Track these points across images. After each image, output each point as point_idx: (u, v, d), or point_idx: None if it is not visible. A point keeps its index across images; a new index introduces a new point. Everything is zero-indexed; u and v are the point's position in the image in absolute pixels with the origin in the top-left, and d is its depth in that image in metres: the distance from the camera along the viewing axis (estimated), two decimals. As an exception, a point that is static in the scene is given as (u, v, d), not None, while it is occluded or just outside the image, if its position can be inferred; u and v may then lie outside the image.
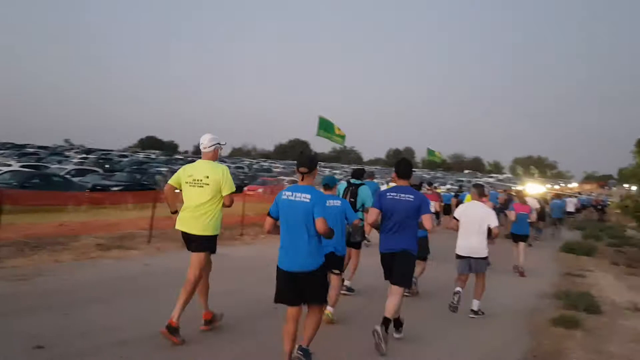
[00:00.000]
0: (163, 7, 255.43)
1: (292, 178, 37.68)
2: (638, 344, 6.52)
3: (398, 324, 6.04)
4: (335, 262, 6.14)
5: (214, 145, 5.85)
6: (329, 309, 6.04)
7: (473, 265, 7.44)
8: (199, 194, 5.64)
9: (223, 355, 5.09)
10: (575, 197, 38.20)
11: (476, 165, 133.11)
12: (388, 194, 5.96)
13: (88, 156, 44.48)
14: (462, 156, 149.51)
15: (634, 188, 21.95)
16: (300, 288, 4.83)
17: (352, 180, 8.46)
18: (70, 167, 26.82)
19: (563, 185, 79.27)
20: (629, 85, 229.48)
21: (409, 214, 5.74)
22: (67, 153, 50.85)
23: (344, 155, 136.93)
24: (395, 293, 5.76)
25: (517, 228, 11.70)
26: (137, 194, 15.35)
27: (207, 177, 5.62)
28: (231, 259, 10.19)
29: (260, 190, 27.03)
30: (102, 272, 8.27)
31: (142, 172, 27.78)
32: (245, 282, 8.33)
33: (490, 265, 8.48)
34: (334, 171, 65.24)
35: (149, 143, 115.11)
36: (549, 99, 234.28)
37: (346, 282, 8.05)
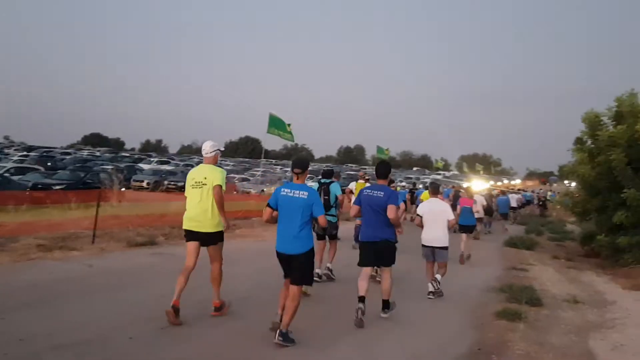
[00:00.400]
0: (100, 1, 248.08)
1: (243, 176, 37.48)
2: (576, 335, 6.78)
3: (386, 305, 6.87)
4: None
5: (214, 151, 6.50)
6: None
7: (436, 253, 8.53)
8: (199, 194, 6.24)
9: (168, 357, 4.98)
10: (519, 193, 40.05)
11: (424, 162, 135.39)
12: (365, 191, 6.97)
13: (29, 154, 42.72)
14: (411, 154, 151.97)
15: (573, 184, 22.84)
16: (290, 267, 5.68)
17: (323, 180, 9.14)
18: (9, 165, 25.78)
19: (507, 181, 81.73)
20: (568, 84, 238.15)
21: (380, 208, 6.58)
22: (6, 150, 48.74)
23: (296, 153, 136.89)
24: (385, 276, 6.88)
25: (462, 220, 12.34)
26: (80, 192, 14.87)
27: (205, 178, 6.23)
28: (180, 259, 9.94)
29: (209, 188, 26.75)
30: (43, 273, 7.96)
31: (86, 170, 26.95)
32: (191, 282, 8.17)
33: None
34: (285, 168, 65.27)
35: (93, 140, 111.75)
36: (494, 98, 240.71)
37: (328, 264, 9.11)
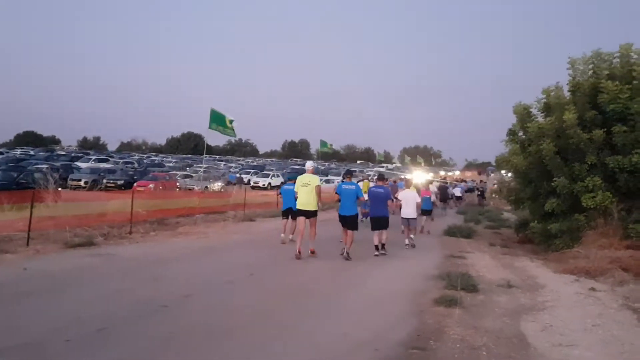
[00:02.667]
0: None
1: (185, 173, 36.89)
2: (509, 318, 7.08)
3: (383, 247, 12.07)
4: (351, 222, 11.37)
5: (313, 166, 11.92)
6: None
7: (410, 222, 13.83)
8: (307, 190, 11.10)
9: (108, 358, 4.92)
10: (464, 182, 43.32)
11: (368, 155, 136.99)
12: (372, 188, 12.74)
13: (-43, 154, 40.68)
14: (355, 147, 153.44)
15: (509, 174, 23.69)
16: (347, 222, 11.23)
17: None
18: None
19: (448, 173, 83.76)
20: (503, 79, 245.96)
21: (382, 198, 12.09)
22: None
23: (239, 148, 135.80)
24: (384, 233, 12.04)
25: (424, 206, 16.23)
26: (13, 193, 14.28)
27: (310, 181, 11.22)
28: (119, 259, 9.85)
29: (151, 186, 26.19)
30: (-26, 279, 7.67)
31: (20, 170, 25.88)
32: (131, 282, 8.07)
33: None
34: (230, 164, 64.64)
35: (27, 139, 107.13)
36: (432, 91, 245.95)
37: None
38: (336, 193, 11.70)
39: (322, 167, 64.88)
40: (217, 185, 31.06)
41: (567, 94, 14.04)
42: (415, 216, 13.96)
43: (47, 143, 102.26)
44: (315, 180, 11.20)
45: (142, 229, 13.55)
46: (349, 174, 13.14)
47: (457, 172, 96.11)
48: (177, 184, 28.73)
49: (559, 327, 6.67)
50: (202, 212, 18.04)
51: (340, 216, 11.33)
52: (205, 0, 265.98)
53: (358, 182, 17.65)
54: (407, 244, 13.49)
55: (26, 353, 4.87)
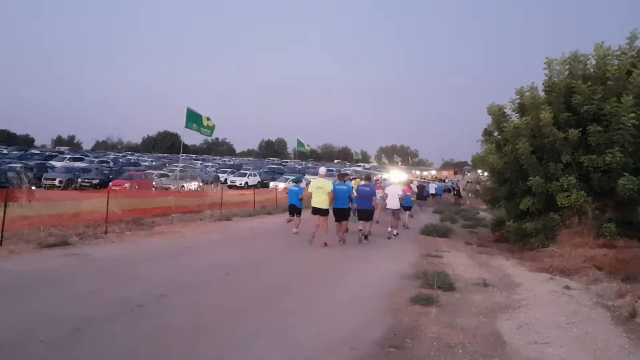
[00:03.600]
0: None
1: (162, 172, 36.51)
2: (485, 316, 7.16)
3: (366, 237, 14.31)
4: (344, 214, 13.73)
5: (325, 172, 14.48)
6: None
7: (394, 213, 16.05)
8: (321, 192, 13.00)
9: (81, 357, 4.85)
10: (442, 181, 44.45)
11: (345, 155, 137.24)
12: (360, 187, 14.59)
13: None
14: (332, 147, 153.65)
15: (485, 173, 23.94)
16: (341, 215, 13.47)
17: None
18: None
19: (424, 172, 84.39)
20: (479, 80, 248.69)
21: (368, 195, 14.02)
22: None
23: (216, 147, 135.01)
24: (368, 224, 14.53)
25: (405, 202, 18.07)
26: (-15, 193, 14.01)
27: (324, 185, 13.17)
28: (94, 259, 9.71)
29: (126, 185, 25.87)
30: (-56, 280, 7.50)
31: (-8, 169, 25.40)
32: (107, 282, 7.96)
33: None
34: (206, 163, 64.20)
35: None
36: (409, 92, 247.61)
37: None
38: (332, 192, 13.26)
39: (299, 167, 64.86)
40: (194, 185, 30.80)
41: (541, 94, 14.24)
42: (398, 207, 16.27)
43: (20, 142, 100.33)
44: (329, 185, 13.25)
45: (117, 229, 13.38)
46: (342, 176, 15.24)
47: (433, 172, 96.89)
48: (153, 183, 28.42)
49: (534, 325, 6.76)
50: (179, 212, 17.87)
51: (334, 209, 13.33)
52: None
53: (352, 179, 19.57)
54: (392, 234, 15.86)
55: (1, 353, 4.77)
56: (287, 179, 39.86)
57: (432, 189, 37.61)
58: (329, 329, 6.15)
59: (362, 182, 15.36)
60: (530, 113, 13.61)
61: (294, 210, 15.37)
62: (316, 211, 13.06)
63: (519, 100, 14.71)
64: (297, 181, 17.42)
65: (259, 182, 41.07)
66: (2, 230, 10.44)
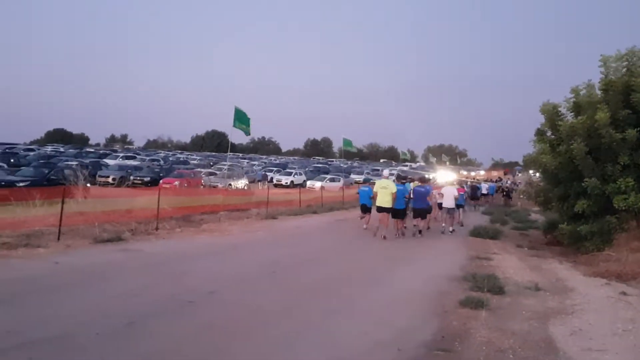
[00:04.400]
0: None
1: (210, 170, 37.16)
2: (537, 320, 6.97)
3: (420, 232, 15.62)
4: (399, 212, 15.05)
5: (388, 174, 17.28)
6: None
7: (449, 211, 17.72)
8: (384, 193, 14.14)
9: (135, 352, 4.96)
10: (493, 181, 44.98)
11: (391, 154, 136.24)
12: (416, 188, 15.76)
13: (-9, 151, 41.58)
14: (378, 146, 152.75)
15: (537, 174, 23.33)
16: (397, 213, 14.87)
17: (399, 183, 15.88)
18: (-29, 162, 25.07)
19: (471, 173, 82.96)
20: (532, 78, 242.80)
21: (423, 195, 15.33)
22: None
23: (262, 146, 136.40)
24: (425, 221, 16.10)
25: (459, 201, 18.95)
26: (45, 189, 14.55)
27: (387, 186, 14.36)
28: (146, 255, 9.97)
29: (176, 183, 26.44)
30: (8, 271, 7.83)
31: (50, 166, 26.38)
32: (158, 277, 8.15)
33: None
34: (253, 162, 64.96)
35: (57, 136, 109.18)
36: (460, 90, 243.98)
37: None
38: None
39: (345, 166, 64.83)
40: (241, 183, 31.20)
41: (598, 93, 13.75)
42: (453, 206, 17.88)
43: (75, 140, 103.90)
44: (392, 185, 14.52)
45: (167, 226, 13.68)
46: (400, 178, 17.39)
47: (482, 172, 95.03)
48: (202, 181, 28.94)
49: (589, 331, 6.54)
50: (226, 210, 18.14)
51: (377, 207, 14.45)
52: (228, 1, 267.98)
53: (411, 181, 19.32)
54: (448, 230, 17.42)
55: (58, 345, 4.95)
56: (324, 178, 39.91)
57: (484, 189, 37.71)
58: (375, 329, 6.11)
59: (418, 184, 16.45)
60: (586, 112, 13.15)
61: (366, 209, 16.76)
62: (381, 209, 14.30)
63: (574, 99, 14.24)
64: (367, 181, 21.60)
65: (304, 180, 41.23)
66: (60, 225, 10.84)
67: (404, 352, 5.39)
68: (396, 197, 14.16)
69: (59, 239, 10.56)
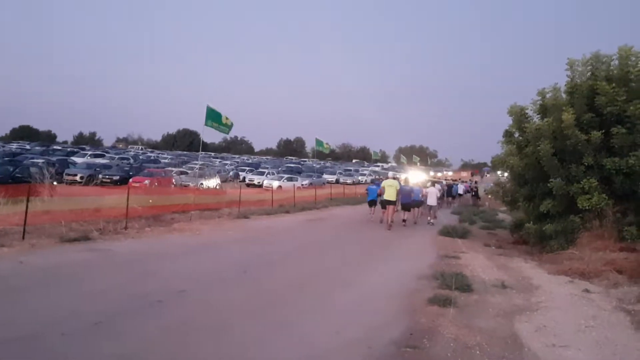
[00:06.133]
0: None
1: (181, 169, 36.81)
2: (503, 317, 7.12)
3: (404, 222, 19.25)
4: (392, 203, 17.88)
5: (393, 175, 27.10)
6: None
7: (432, 208, 21.98)
8: (391, 190, 17.42)
9: (102, 352, 4.91)
10: (465, 182, 46.55)
11: (363, 154, 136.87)
12: (402, 186, 18.79)
13: (-48, 147, 40.43)
14: (350, 146, 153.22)
15: (505, 175, 23.74)
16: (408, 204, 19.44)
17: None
18: None
19: (438, 173, 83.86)
20: (500, 81, 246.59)
21: (407, 192, 19.21)
22: None
23: (234, 146, 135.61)
24: (411, 213, 20.28)
25: (430, 201, 22.26)
26: (9, 187, 14.22)
27: (392, 184, 17.65)
28: (114, 254, 9.84)
29: (146, 182, 26.12)
30: (-31, 272, 7.66)
31: (15, 164, 25.79)
32: (127, 277, 8.07)
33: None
34: (225, 161, 64.57)
35: (22, 133, 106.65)
36: (432, 92, 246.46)
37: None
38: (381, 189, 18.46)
39: (318, 166, 64.93)
40: (212, 182, 30.99)
41: (563, 96, 14.07)
42: (435, 204, 22.44)
43: (42, 138, 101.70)
44: (396, 183, 18.08)
45: (137, 225, 13.53)
46: (395, 179, 20.70)
47: (450, 173, 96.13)
48: (173, 180, 28.67)
49: (553, 327, 6.70)
50: (197, 209, 18.02)
51: (384, 200, 17.98)
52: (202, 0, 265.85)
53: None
54: (430, 222, 21.22)
55: (23, 346, 4.87)
56: (281, 177, 40.40)
57: (460, 189, 40.64)
58: (345, 328, 6.15)
59: (403, 184, 19.75)
60: (552, 114, 13.45)
61: (372, 203, 20.81)
62: (387, 202, 17.75)
63: (541, 102, 14.54)
64: (374, 182, 27.00)
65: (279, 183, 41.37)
66: (25, 224, 10.63)
67: (373, 350, 5.46)
68: (383, 193, 17.91)
69: (23, 238, 10.36)
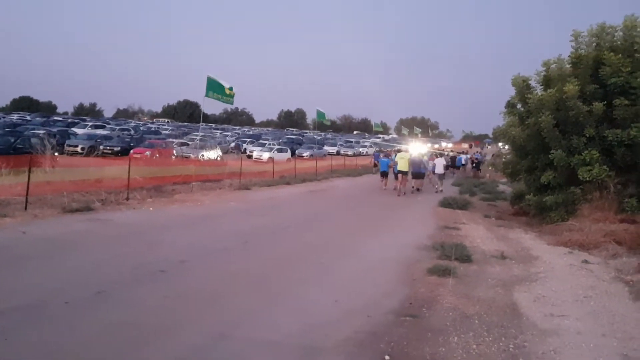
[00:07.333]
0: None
1: (182, 140, 36.73)
2: (502, 288, 7.17)
3: (417, 189, 21.88)
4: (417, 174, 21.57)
5: (406, 149, 23.64)
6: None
7: (439, 177, 24.01)
8: (404, 161, 19.72)
9: (104, 320, 4.97)
10: (466, 153, 47.34)
11: (364, 126, 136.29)
12: (412, 158, 20.83)
13: (-48, 118, 40.28)
14: (351, 118, 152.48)
15: (506, 146, 23.67)
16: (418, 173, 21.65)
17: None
18: None
19: (437, 145, 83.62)
20: (503, 51, 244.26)
21: (418, 163, 21.42)
22: None
23: (235, 117, 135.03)
24: (418, 181, 22.00)
25: (438, 170, 24.24)
26: (11, 158, 14.23)
27: (404, 156, 20.12)
28: (116, 225, 9.89)
29: (147, 153, 26.08)
30: (-28, 242, 7.71)
31: (17, 135, 25.71)
32: (129, 247, 8.13)
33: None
34: (226, 133, 64.37)
35: (23, 104, 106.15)
36: (434, 63, 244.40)
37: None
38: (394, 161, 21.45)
39: (319, 137, 64.73)
40: (213, 154, 30.94)
41: (568, 67, 13.93)
42: (443, 172, 24.66)
43: (43, 109, 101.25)
44: (407, 156, 20.36)
45: (139, 196, 13.57)
46: (399, 151, 24.54)
47: (450, 144, 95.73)
48: (174, 151, 28.62)
49: (551, 297, 6.77)
50: (198, 180, 18.04)
51: (397, 171, 20.31)
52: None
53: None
54: (438, 190, 22.70)
55: (27, 314, 4.93)
56: (271, 149, 39.40)
57: (463, 159, 41.78)
58: (345, 298, 6.22)
59: (413, 155, 21.77)
60: (555, 85, 13.33)
61: (384, 174, 22.59)
62: (400, 173, 19.92)
63: (545, 72, 14.41)
64: (382, 154, 29.10)
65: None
66: (27, 194, 10.67)
67: (373, 319, 5.52)
68: (393, 164, 21.17)
69: (26, 208, 10.40)
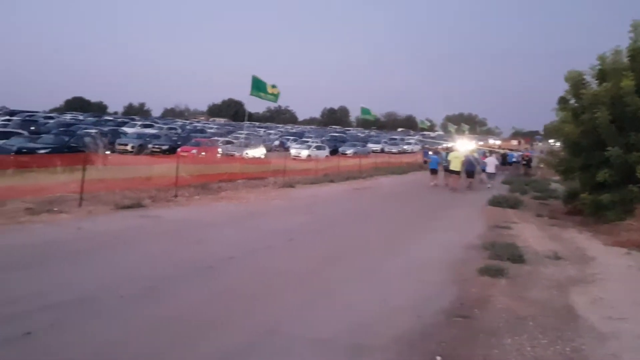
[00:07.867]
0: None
1: (227, 139, 37.17)
2: (556, 289, 6.94)
3: (470, 185, 22.06)
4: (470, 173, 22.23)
5: (458, 147, 24.87)
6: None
7: (490, 176, 24.47)
8: (457, 161, 20.36)
9: (156, 315, 5.03)
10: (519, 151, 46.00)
11: (409, 123, 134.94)
12: (467, 157, 21.95)
13: (11, 118, 41.82)
14: (396, 114, 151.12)
15: (557, 143, 23.00)
16: (472, 171, 22.43)
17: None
18: (-8, 129, 25.28)
19: (480, 142, 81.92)
20: (555, 46, 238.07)
21: (471, 161, 22.08)
22: (-12, 115, 47.72)
23: (278, 115, 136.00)
24: (469, 180, 22.19)
25: (489, 169, 24.92)
26: (65, 156, 14.70)
27: (458, 156, 20.82)
28: (165, 221, 10.05)
29: (194, 151, 26.52)
30: (32, 236, 7.98)
31: (70, 134, 26.56)
32: (178, 243, 8.24)
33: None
34: (269, 131, 64.89)
35: (75, 104, 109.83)
36: (481, 58, 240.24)
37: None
38: (447, 160, 22.04)
39: (362, 135, 64.37)
40: (258, 152, 31.17)
41: (625, 60, 13.38)
42: (494, 172, 25.03)
43: (94, 109, 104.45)
44: (461, 155, 21.03)
45: (186, 193, 13.77)
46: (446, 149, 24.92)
47: (499, 141, 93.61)
48: (219, 149, 29.00)
49: (609, 300, 6.52)
50: (243, 178, 18.19)
51: (449, 170, 21.07)
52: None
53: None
54: (488, 186, 23.17)
55: (82, 307, 5.05)
56: (310, 146, 39.05)
57: (515, 157, 40.41)
58: (394, 297, 6.13)
59: (467, 155, 22.47)
60: (611, 80, 12.83)
61: (434, 171, 23.07)
62: (451, 172, 20.65)
63: (600, 66, 13.88)
64: (431, 151, 30.84)
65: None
66: (82, 191, 10.97)
67: (422, 319, 5.41)
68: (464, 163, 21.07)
69: (80, 205, 10.70)
